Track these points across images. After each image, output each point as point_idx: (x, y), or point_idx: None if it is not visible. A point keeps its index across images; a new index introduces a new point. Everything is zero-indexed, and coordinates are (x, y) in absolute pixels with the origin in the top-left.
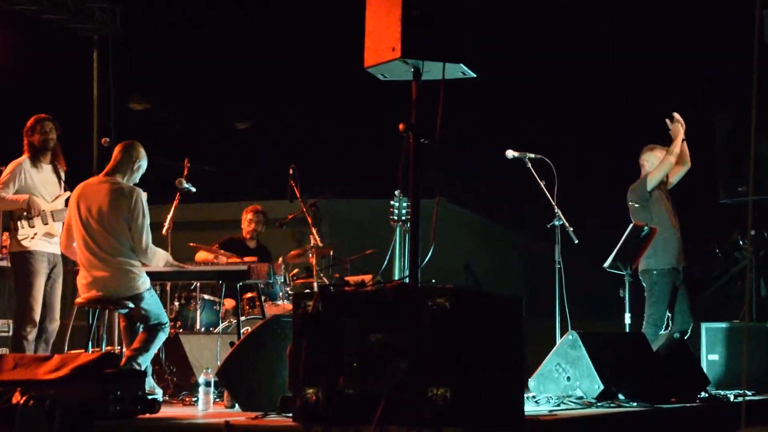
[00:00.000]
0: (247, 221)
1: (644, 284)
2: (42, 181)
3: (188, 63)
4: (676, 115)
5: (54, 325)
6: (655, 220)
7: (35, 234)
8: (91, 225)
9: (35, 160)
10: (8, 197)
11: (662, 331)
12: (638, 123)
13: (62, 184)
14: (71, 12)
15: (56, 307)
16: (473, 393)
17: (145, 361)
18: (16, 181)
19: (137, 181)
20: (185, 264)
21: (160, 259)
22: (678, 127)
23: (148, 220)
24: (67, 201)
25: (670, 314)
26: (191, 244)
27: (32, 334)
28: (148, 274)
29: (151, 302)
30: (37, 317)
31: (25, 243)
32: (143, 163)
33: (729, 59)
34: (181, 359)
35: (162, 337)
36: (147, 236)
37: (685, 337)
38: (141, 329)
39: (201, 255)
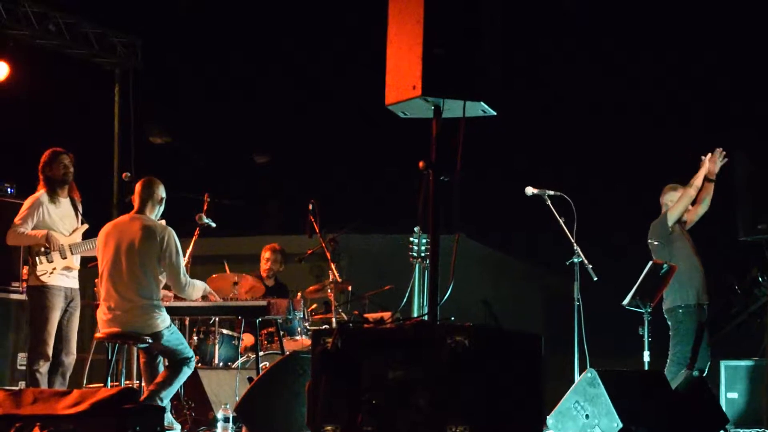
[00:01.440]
0: (265, 260)
1: (669, 322)
2: (60, 215)
3: (208, 97)
4: (719, 150)
5: (70, 359)
6: (678, 257)
7: (54, 269)
8: (120, 261)
9: (53, 195)
10: (27, 233)
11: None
12: (659, 161)
13: (79, 217)
14: (93, 46)
15: (73, 340)
16: (492, 430)
17: (167, 396)
18: (34, 217)
19: (161, 212)
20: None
21: (199, 291)
22: (705, 163)
23: (182, 258)
24: (84, 234)
25: (691, 353)
26: (213, 276)
27: (44, 367)
28: (170, 309)
29: (172, 339)
30: (50, 351)
31: (44, 278)
32: (164, 195)
33: (749, 96)
34: (199, 394)
35: (187, 372)
36: (183, 273)
37: (703, 375)
38: (165, 364)
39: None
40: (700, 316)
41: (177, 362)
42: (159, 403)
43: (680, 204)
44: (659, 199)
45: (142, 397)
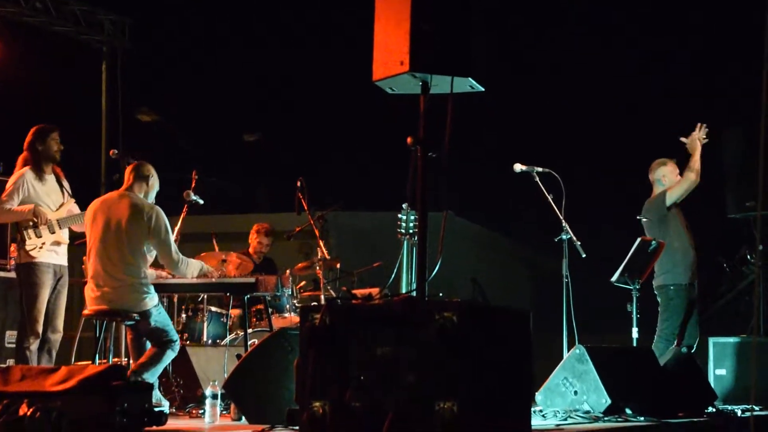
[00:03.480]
0: (257, 241)
1: (659, 299)
2: (46, 191)
3: (196, 75)
4: (700, 126)
5: (56, 336)
6: (672, 236)
7: (43, 243)
8: (108, 238)
9: (38, 171)
10: (14, 208)
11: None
12: (646, 137)
13: (65, 193)
14: (81, 24)
15: (59, 317)
16: (480, 407)
17: (150, 377)
18: (20, 192)
19: (152, 200)
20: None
21: (195, 268)
22: (696, 143)
23: (171, 235)
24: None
25: (679, 330)
26: (203, 254)
27: (35, 345)
28: (155, 286)
29: (159, 319)
30: (41, 329)
31: (33, 253)
32: (155, 182)
33: (738, 73)
34: (188, 371)
35: (171, 355)
36: (176, 250)
37: (691, 351)
38: (150, 344)
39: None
40: (691, 294)
41: (162, 344)
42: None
43: (681, 188)
44: (648, 176)
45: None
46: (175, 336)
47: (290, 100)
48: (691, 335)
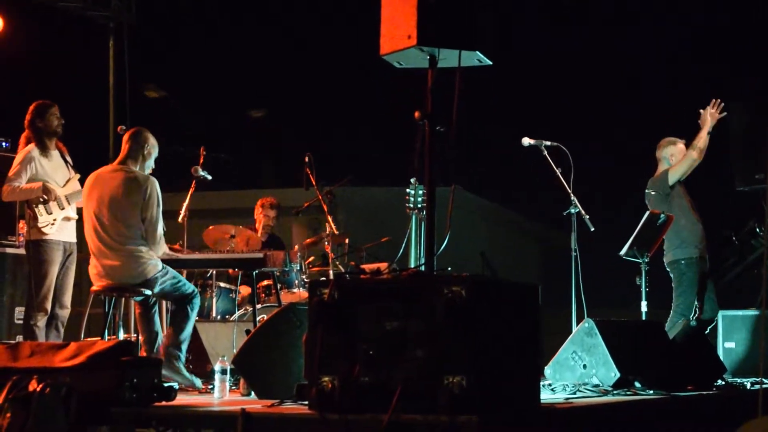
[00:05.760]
0: (264, 215)
1: (672, 275)
2: (52, 167)
3: (203, 51)
4: (714, 103)
5: (64, 312)
6: (678, 213)
7: (54, 220)
8: (104, 213)
9: (43, 148)
10: (23, 186)
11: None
12: (655, 112)
13: (70, 168)
14: (87, 0)
15: (67, 293)
16: (489, 381)
17: (185, 340)
18: (27, 170)
19: (152, 167)
20: (194, 251)
21: (165, 249)
22: (707, 118)
23: (161, 211)
24: (80, 183)
25: (698, 303)
26: (211, 227)
27: (42, 321)
28: (165, 262)
29: (167, 281)
30: (49, 306)
31: (46, 230)
32: (154, 149)
33: (745, 47)
34: (197, 347)
35: (194, 306)
36: (161, 226)
37: (711, 326)
38: (171, 308)
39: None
40: (702, 267)
41: (180, 303)
42: (181, 350)
43: (683, 166)
44: (656, 152)
45: (162, 350)
46: (190, 288)
47: (297, 75)
48: (712, 309)
